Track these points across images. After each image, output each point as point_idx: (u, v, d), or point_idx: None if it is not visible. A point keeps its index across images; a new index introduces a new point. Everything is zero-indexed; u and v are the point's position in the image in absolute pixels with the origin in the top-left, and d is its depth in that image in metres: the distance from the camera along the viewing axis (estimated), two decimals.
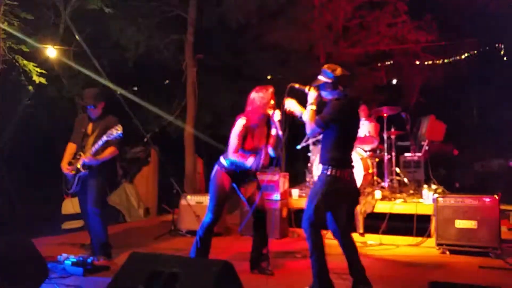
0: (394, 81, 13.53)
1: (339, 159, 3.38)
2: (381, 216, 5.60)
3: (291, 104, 3.66)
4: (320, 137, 6.83)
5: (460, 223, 4.78)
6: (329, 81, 3.40)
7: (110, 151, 4.62)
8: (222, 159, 3.99)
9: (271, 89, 3.93)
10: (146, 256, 2.83)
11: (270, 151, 3.96)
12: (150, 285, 2.56)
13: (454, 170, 7.40)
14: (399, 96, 12.73)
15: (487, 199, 4.72)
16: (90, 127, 4.77)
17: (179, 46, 8.73)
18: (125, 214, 9.32)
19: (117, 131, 4.48)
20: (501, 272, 4.10)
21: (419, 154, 6.77)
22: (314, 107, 3.45)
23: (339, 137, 3.40)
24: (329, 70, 3.43)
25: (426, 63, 11.41)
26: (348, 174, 3.42)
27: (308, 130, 3.44)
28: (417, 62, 11.58)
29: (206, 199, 6.09)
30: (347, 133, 3.49)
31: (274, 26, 8.96)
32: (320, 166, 3.46)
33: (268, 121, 3.96)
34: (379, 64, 11.24)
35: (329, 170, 3.34)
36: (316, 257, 3.36)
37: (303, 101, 3.64)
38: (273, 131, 3.93)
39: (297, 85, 3.55)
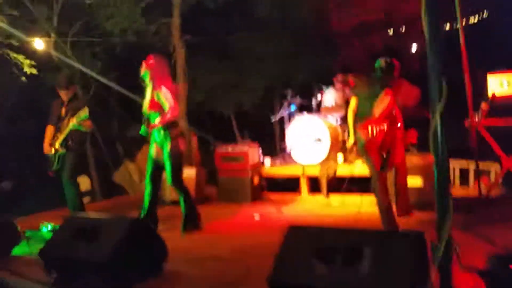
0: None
1: None
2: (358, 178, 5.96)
3: None
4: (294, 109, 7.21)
5: (409, 181, 5.03)
6: None
7: (88, 123, 5.08)
8: None
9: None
10: None
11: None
12: None
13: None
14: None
15: (431, 156, 4.94)
16: (63, 110, 5.26)
17: (167, 30, 9.11)
18: (128, 190, 10.00)
19: (84, 113, 4.98)
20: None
21: None
22: None
23: None
24: None
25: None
26: None
27: None
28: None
29: (186, 172, 6.61)
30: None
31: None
32: None
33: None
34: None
35: None
36: None
37: None
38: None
39: None
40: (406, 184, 4.68)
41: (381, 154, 4.45)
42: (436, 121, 2.23)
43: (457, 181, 7.05)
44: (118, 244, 2.94)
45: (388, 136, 4.37)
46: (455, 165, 7.05)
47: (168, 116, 4.52)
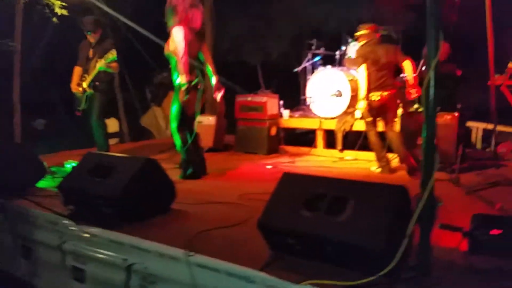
0: None
1: None
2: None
3: None
4: (318, 60, 7.18)
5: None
6: None
7: (115, 65, 5.30)
8: None
9: None
10: None
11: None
12: None
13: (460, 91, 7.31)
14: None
15: (448, 117, 4.93)
16: (91, 51, 5.45)
17: None
18: (154, 134, 10.34)
19: (112, 55, 5.17)
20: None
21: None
22: None
23: None
24: None
25: None
26: None
27: None
28: None
29: (204, 119, 6.78)
30: None
31: None
32: None
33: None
34: None
35: None
36: None
37: None
38: None
39: None
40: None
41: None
42: (429, 77, 2.23)
43: (479, 143, 6.95)
44: (130, 181, 3.15)
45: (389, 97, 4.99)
46: (479, 126, 6.94)
47: (182, 62, 4.30)
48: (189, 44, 4.37)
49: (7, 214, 3.59)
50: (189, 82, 4.40)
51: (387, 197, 2.31)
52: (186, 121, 4.63)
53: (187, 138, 4.64)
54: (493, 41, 5.22)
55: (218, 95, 4.67)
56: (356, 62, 5.24)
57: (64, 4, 7.35)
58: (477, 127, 6.79)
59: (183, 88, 4.41)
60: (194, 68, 4.57)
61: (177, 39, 4.33)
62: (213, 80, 4.66)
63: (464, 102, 6.84)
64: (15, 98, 7.04)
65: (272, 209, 2.51)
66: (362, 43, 5.15)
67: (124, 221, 3.07)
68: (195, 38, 4.50)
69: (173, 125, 4.64)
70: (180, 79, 4.42)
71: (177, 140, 4.64)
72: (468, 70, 6.77)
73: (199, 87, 4.59)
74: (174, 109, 4.63)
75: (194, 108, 4.64)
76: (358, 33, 5.17)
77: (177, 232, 2.95)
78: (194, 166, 4.69)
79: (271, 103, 6.40)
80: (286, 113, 6.67)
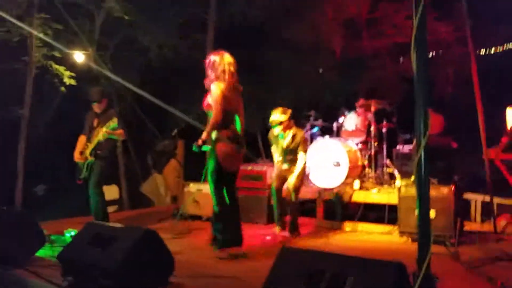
0: None
1: None
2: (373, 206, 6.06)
3: None
4: (317, 131, 7.35)
5: None
6: None
7: (120, 132, 5.49)
8: None
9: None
10: None
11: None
12: None
13: (456, 162, 7.41)
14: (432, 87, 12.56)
15: (445, 190, 5.00)
16: (95, 121, 5.65)
17: (199, 45, 9.49)
18: (154, 201, 10.34)
19: (113, 123, 5.36)
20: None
21: (410, 147, 7.01)
22: None
23: None
24: None
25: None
26: None
27: None
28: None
29: (205, 187, 6.82)
30: None
31: (289, 22, 9.51)
32: None
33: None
34: (401, 58, 11.30)
35: None
36: None
37: None
38: None
39: None
40: None
41: None
42: (421, 155, 2.33)
43: (478, 216, 6.93)
44: (129, 252, 3.16)
45: None
46: (477, 198, 6.95)
47: (212, 120, 4.32)
48: (227, 101, 4.39)
49: (6, 285, 3.55)
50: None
51: (386, 275, 2.33)
52: (224, 179, 4.47)
53: (224, 200, 4.47)
54: (483, 114, 5.41)
55: None
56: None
57: (72, 74, 7.71)
58: (475, 200, 6.82)
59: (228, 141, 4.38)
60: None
61: (215, 95, 4.35)
62: None
63: (461, 173, 6.95)
64: (20, 164, 7.15)
65: (271, 286, 2.51)
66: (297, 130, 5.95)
67: None
68: (234, 95, 4.54)
69: (210, 184, 4.47)
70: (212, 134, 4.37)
71: (214, 202, 4.49)
72: (467, 141, 6.92)
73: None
74: (210, 166, 4.46)
75: (237, 164, 4.58)
76: (284, 119, 5.96)
77: None
78: (230, 233, 4.50)
79: (271, 172, 6.48)
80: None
